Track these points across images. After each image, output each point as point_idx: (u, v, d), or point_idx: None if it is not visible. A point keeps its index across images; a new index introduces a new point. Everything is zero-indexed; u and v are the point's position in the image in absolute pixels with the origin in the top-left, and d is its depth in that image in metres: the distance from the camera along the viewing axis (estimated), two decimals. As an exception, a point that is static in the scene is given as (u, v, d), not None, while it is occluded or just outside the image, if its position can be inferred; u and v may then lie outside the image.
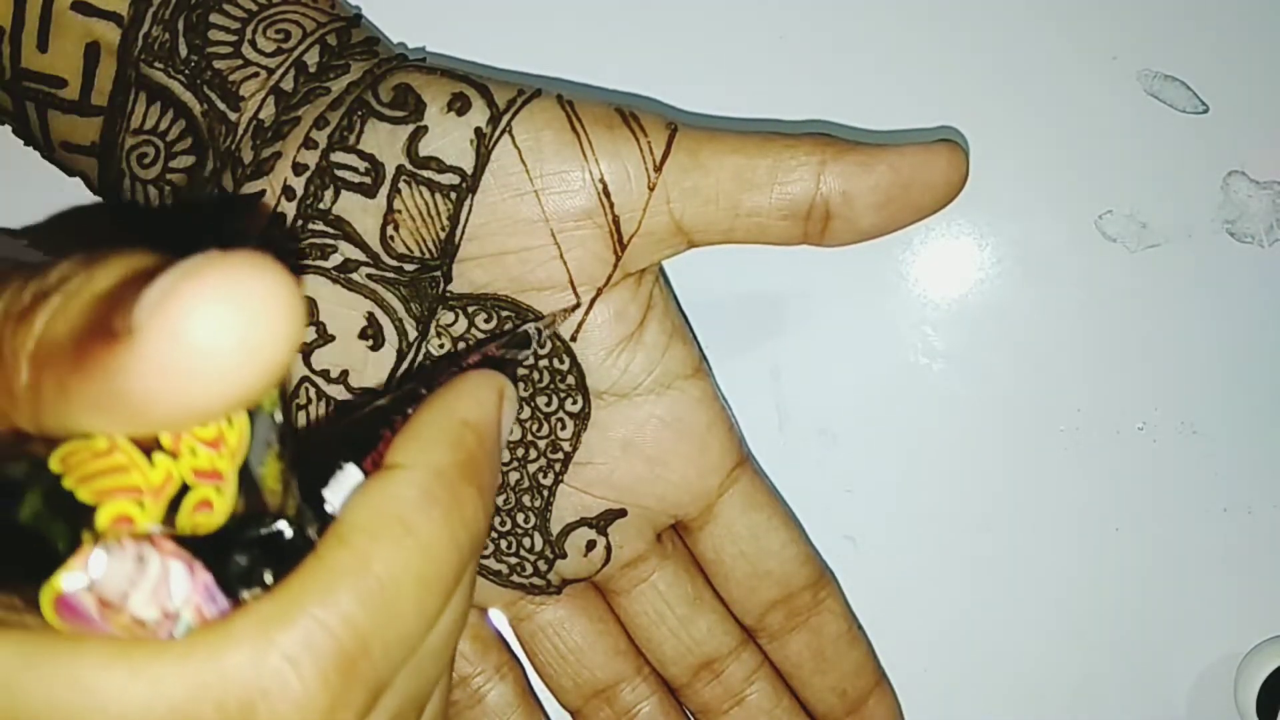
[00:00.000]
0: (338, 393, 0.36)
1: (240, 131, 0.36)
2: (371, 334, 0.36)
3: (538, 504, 0.39)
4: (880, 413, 0.45)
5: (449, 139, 0.35)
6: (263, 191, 0.35)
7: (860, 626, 0.42)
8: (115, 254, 0.21)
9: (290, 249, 0.35)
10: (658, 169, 0.35)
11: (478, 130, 0.35)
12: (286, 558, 0.23)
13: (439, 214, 0.35)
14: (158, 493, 0.20)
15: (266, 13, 0.37)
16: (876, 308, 0.44)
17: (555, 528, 0.39)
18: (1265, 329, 0.44)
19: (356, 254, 0.35)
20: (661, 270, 0.39)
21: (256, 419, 0.21)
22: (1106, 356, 0.44)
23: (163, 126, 0.36)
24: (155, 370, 0.18)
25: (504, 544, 0.39)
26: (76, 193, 0.39)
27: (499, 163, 0.35)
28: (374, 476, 0.25)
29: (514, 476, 0.39)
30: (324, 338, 0.36)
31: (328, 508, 0.24)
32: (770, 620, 0.41)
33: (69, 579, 0.20)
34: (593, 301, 0.37)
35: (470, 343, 0.37)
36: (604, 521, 0.39)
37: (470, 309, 0.37)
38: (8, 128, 0.39)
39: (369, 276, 0.36)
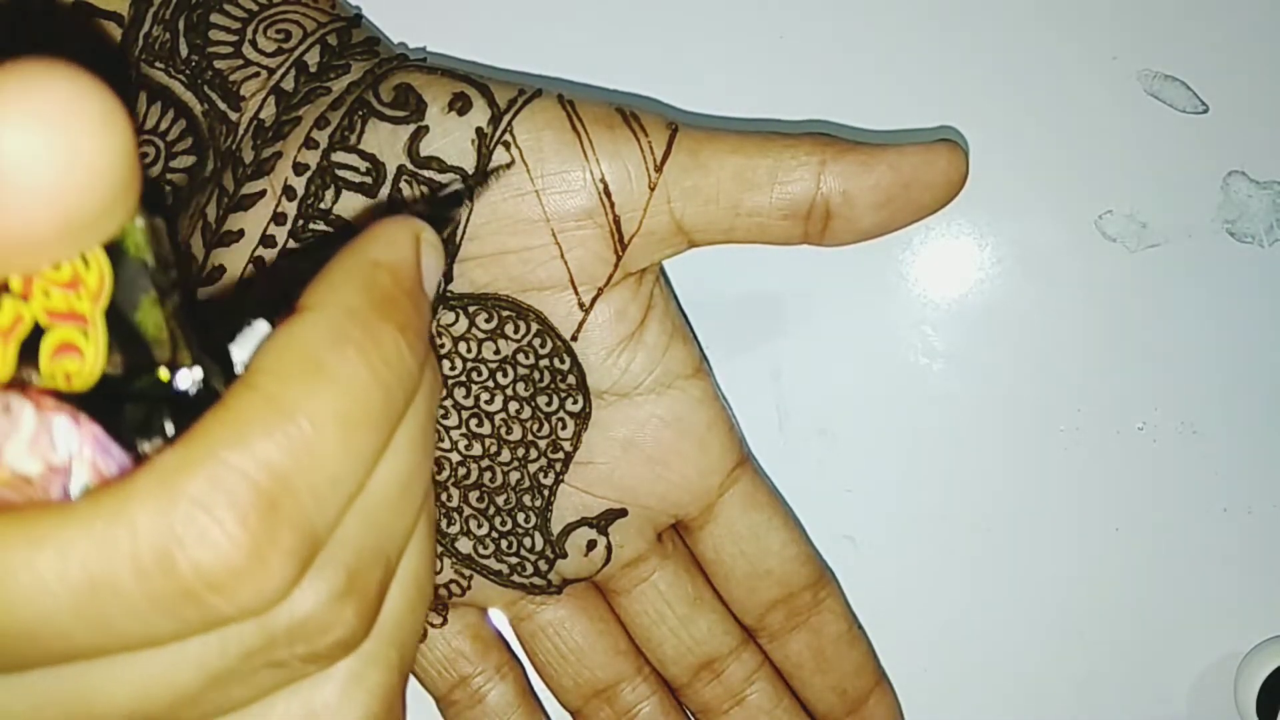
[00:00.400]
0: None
1: (241, 131, 0.36)
2: None
3: (538, 504, 0.39)
4: (880, 413, 0.45)
5: (450, 139, 0.35)
6: (262, 191, 0.35)
7: (860, 626, 0.42)
8: None
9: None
10: (658, 169, 0.35)
11: (479, 130, 0.35)
12: (188, 409, 0.21)
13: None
14: (5, 334, 0.19)
15: (267, 13, 0.37)
16: (876, 308, 0.44)
17: (556, 527, 0.39)
18: (1265, 329, 0.44)
19: None
20: (662, 270, 0.39)
21: (121, 262, 0.20)
22: (1106, 356, 0.44)
23: (163, 126, 0.36)
24: None
25: (505, 544, 0.39)
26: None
27: (500, 162, 0.35)
28: (283, 324, 0.23)
29: (515, 476, 0.39)
30: None
31: (237, 365, 0.23)
32: (770, 620, 0.41)
33: None
34: (594, 301, 0.37)
35: (471, 342, 0.37)
36: (605, 521, 0.39)
37: (471, 309, 0.37)
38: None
39: None
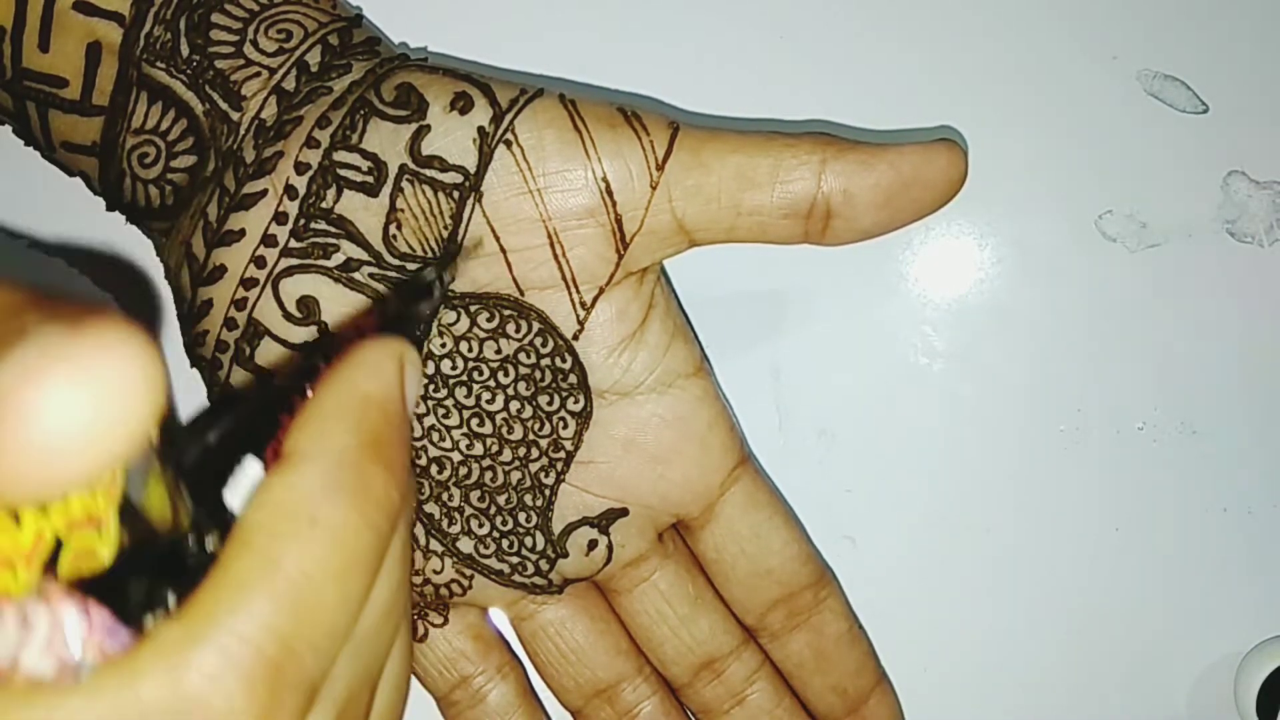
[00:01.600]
0: None
1: (242, 131, 0.36)
2: None
3: (539, 503, 0.39)
4: (880, 413, 0.45)
5: (452, 138, 0.35)
6: (264, 190, 0.35)
7: (861, 626, 0.42)
8: None
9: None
10: (660, 167, 0.35)
11: (480, 129, 0.35)
12: (188, 575, 0.22)
13: (442, 213, 0.35)
14: (29, 558, 0.19)
15: (268, 13, 0.37)
16: (876, 308, 0.44)
17: (557, 527, 0.39)
18: (1265, 329, 0.44)
19: (359, 253, 0.35)
20: (662, 270, 0.39)
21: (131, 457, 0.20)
22: (1106, 356, 0.44)
23: (164, 126, 0.36)
24: (10, 458, 0.17)
25: (506, 543, 0.39)
26: (77, 192, 0.39)
27: (502, 161, 0.35)
28: (272, 470, 0.24)
29: (516, 475, 0.39)
30: (326, 338, 0.36)
31: (231, 510, 0.23)
32: (771, 620, 0.41)
33: None
34: (595, 300, 0.37)
35: (472, 341, 0.37)
36: (606, 521, 0.39)
37: (472, 308, 0.37)
38: (7, 128, 0.39)
39: (371, 276, 0.36)
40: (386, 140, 0.35)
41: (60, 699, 0.20)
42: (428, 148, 0.35)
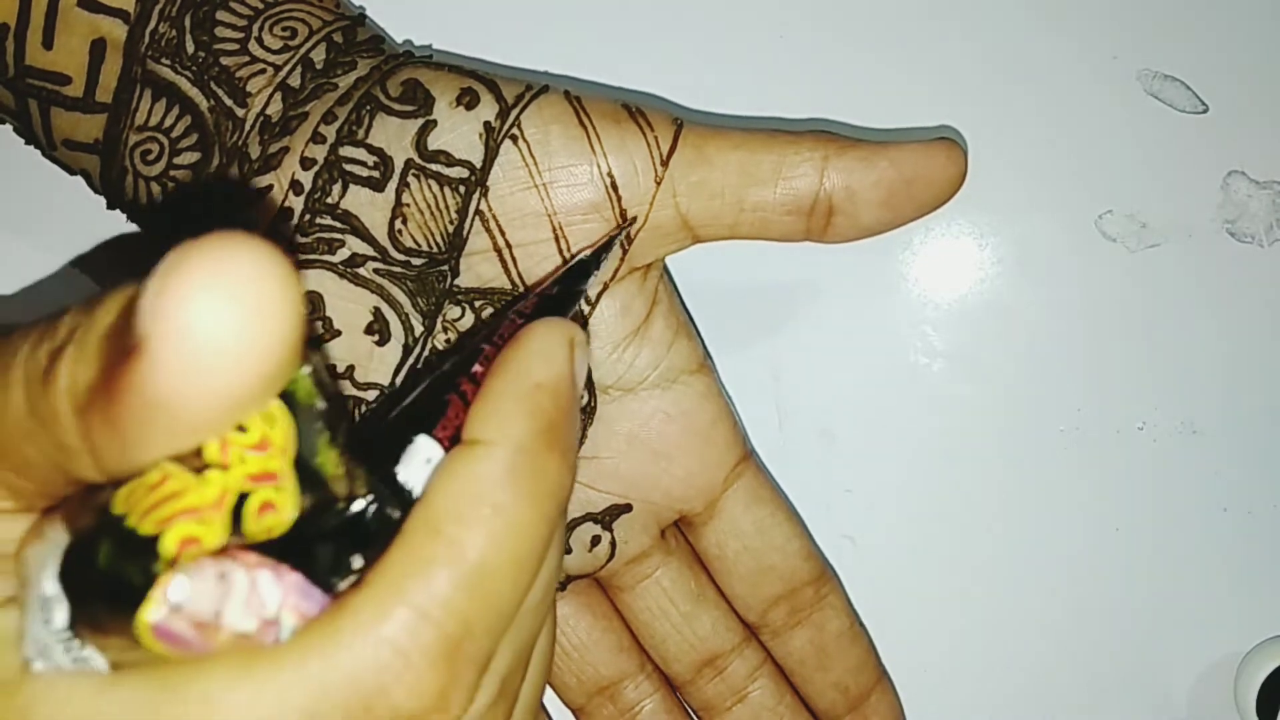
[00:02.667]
0: (344, 389, 0.36)
1: (247, 127, 0.36)
2: (378, 329, 0.36)
3: None
4: (880, 413, 0.45)
5: (458, 133, 0.35)
6: (270, 186, 0.35)
7: (861, 623, 0.42)
8: (114, 291, 0.21)
9: (292, 243, 0.35)
10: (664, 163, 0.35)
11: (486, 124, 0.35)
12: (371, 540, 0.23)
13: (447, 208, 0.35)
14: (217, 506, 0.21)
15: (272, 11, 0.37)
16: (876, 308, 0.45)
17: None
18: (1265, 329, 0.44)
19: (364, 248, 0.35)
20: (665, 268, 0.39)
21: (298, 412, 0.22)
22: (1106, 356, 0.44)
23: (168, 123, 0.36)
24: (174, 371, 0.19)
25: None
26: (77, 192, 0.39)
27: (507, 157, 0.35)
28: (455, 454, 0.25)
29: None
30: (330, 332, 0.36)
31: (405, 485, 0.25)
32: (773, 616, 0.41)
33: (152, 611, 0.20)
34: (599, 295, 0.37)
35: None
36: (609, 517, 0.39)
37: (477, 303, 0.37)
38: (7, 126, 0.39)
39: (376, 271, 0.36)
40: (393, 135, 0.35)
41: (273, 668, 0.22)
42: (434, 143, 0.35)
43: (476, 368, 0.28)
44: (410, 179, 0.35)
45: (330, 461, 0.22)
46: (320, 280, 0.35)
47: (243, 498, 0.21)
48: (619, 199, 0.35)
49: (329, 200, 0.35)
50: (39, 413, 0.21)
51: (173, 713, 0.22)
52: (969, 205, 0.43)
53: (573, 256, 0.36)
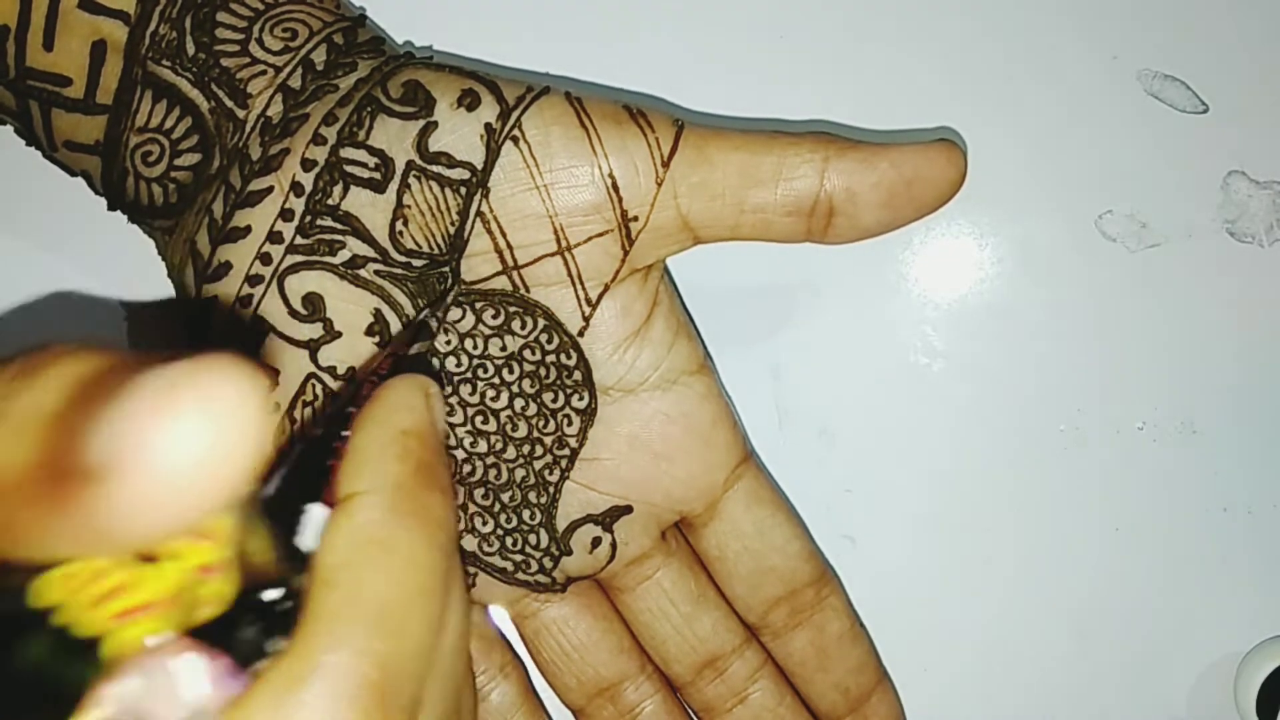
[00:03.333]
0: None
1: (248, 129, 0.36)
2: (378, 330, 0.36)
3: (543, 500, 0.39)
4: (880, 413, 0.45)
5: (459, 134, 0.35)
6: (270, 187, 0.35)
7: (862, 624, 0.42)
8: (51, 359, 0.20)
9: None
10: (665, 164, 0.35)
11: (488, 126, 0.35)
12: (286, 616, 0.23)
13: (448, 209, 0.35)
14: (174, 600, 0.20)
15: (273, 12, 0.37)
16: (876, 308, 0.45)
17: (561, 524, 0.39)
18: (1265, 329, 0.44)
19: (364, 249, 0.35)
20: (665, 269, 0.39)
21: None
22: (1106, 356, 0.44)
23: (168, 124, 0.36)
24: (137, 501, 0.18)
25: (509, 541, 0.39)
26: (77, 193, 0.39)
27: (508, 158, 0.35)
28: (337, 510, 0.25)
29: (520, 473, 0.39)
30: (330, 334, 0.36)
31: (302, 547, 0.24)
32: (774, 617, 0.41)
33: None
34: (600, 296, 0.37)
35: (477, 338, 0.37)
36: (610, 518, 0.39)
37: (477, 304, 0.37)
38: (7, 127, 0.39)
39: (376, 272, 0.36)
40: (394, 137, 0.35)
41: None
42: (435, 144, 0.35)
43: (348, 431, 0.27)
44: (411, 180, 0.35)
45: (258, 546, 0.22)
46: (321, 282, 0.35)
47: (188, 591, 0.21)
48: (620, 200, 0.35)
49: (330, 202, 0.35)
50: None
51: None
52: (969, 205, 0.43)
53: (416, 315, 0.36)
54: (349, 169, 0.35)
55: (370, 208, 0.35)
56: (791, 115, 0.43)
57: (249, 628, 0.22)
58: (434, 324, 0.36)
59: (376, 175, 0.35)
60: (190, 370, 0.18)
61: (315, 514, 0.25)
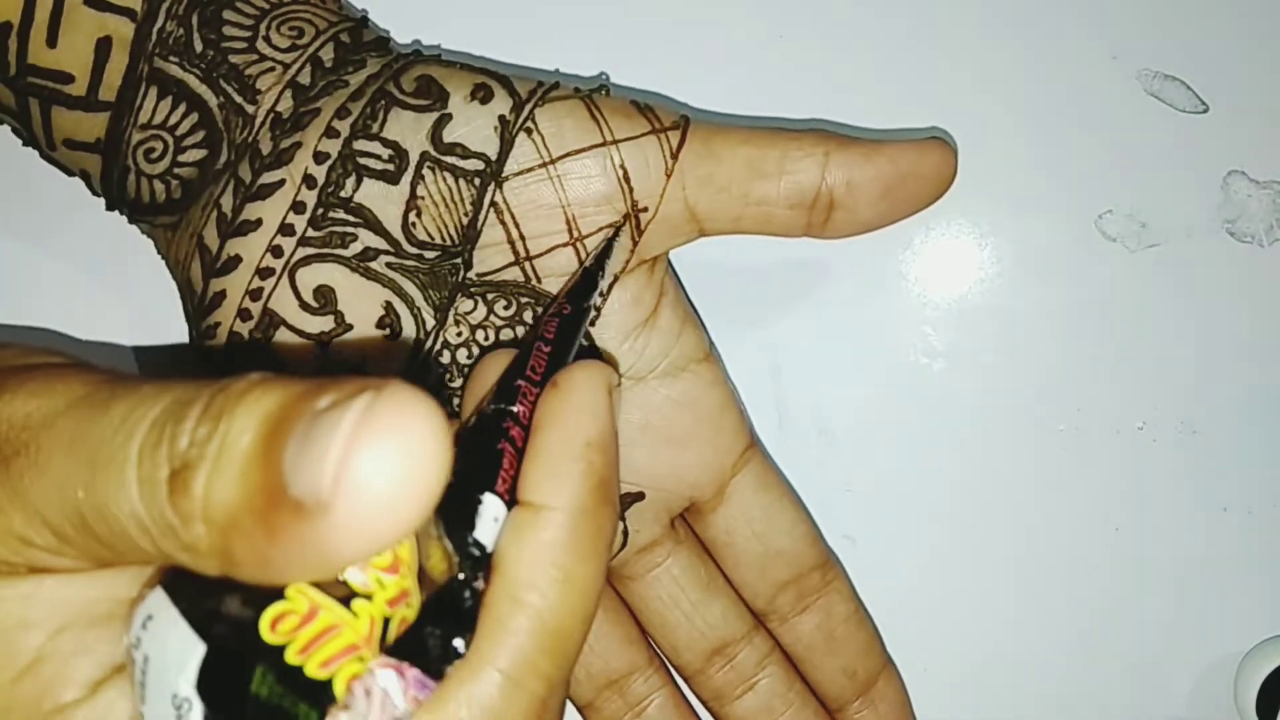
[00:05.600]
0: None
1: (258, 124, 0.36)
2: (389, 323, 0.36)
3: None
4: (880, 412, 0.45)
5: (473, 126, 0.35)
6: (281, 180, 0.35)
7: (864, 608, 0.42)
8: (237, 396, 0.21)
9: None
10: (674, 156, 0.36)
11: (501, 118, 0.35)
12: (469, 618, 0.25)
13: (462, 200, 0.35)
14: (369, 640, 0.22)
15: (278, 11, 0.37)
16: (876, 307, 0.45)
17: None
18: (1265, 329, 0.44)
19: (377, 242, 0.36)
20: (669, 264, 0.39)
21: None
22: (1106, 356, 0.44)
23: (173, 121, 0.36)
24: (347, 530, 0.20)
25: None
26: (76, 193, 0.39)
27: (521, 149, 0.35)
28: (521, 518, 0.27)
29: None
30: (342, 327, 0.36)
31: (483, 548, 0.26)
32: (781, 602, 0.41)
33: None
34: (611, 286, 0.37)
35: (489, 329, 0.37)
36: (622, 505, 0.39)
37: (489, 295, 0.37)
38: (6, 128, 0.39)
39: (388, 265, 0.36)
40: (408, 129, 0.35)
41: None
42: (449, 135, 0.35)
43: (518, 407, 0.28)
44: (425, 171, 0.35)
45: (439, 558, 0.25)
46: (332, 274, 0.36)
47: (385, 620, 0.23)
48: (631, 191, 0.36)
49: (342, 194, 0.35)
50: (159, 517, 0.21)
51: None
52: (969, 205, 0.43)
53: (580, 269, 0.36)
54: (362, 161, 0.35)
55: (383, 200, 0.35)
56: (792, 114, 0.44)
57: (433, 636, 0.24)
58: (600, 271, 0.36)
59: (390, 167, 0.35)
60: (378, 402, 0.20)
61: (490, 507, 0.26)
